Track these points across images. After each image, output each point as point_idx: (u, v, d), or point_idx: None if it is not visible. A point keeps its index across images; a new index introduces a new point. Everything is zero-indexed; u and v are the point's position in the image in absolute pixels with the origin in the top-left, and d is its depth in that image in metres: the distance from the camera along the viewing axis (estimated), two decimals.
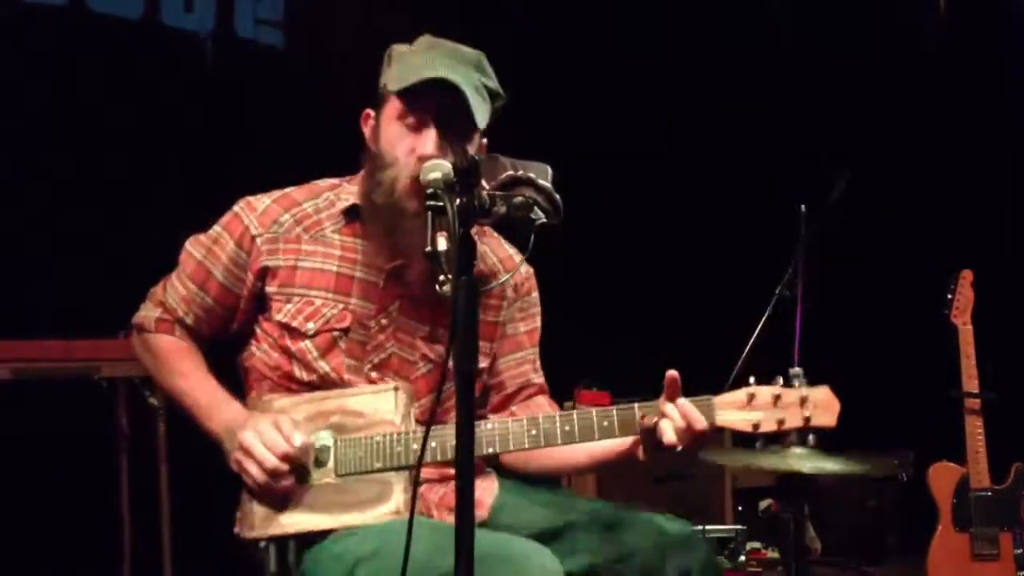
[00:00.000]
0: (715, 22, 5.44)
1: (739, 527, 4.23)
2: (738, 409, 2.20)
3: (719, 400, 2.21)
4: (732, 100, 5.46)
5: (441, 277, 1.94)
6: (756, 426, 2.20)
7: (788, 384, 2.22)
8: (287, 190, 2.45)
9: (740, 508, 4.64)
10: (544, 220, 1.97)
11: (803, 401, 2.20)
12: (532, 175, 1.97)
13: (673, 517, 2.32)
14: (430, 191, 1.93)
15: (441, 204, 1.89)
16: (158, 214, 4.16)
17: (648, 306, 5.31)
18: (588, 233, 4.40)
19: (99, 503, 3.89)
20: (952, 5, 5.44)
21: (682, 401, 2.20)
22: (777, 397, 2.20)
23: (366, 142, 2.40)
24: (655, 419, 2.20)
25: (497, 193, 1.94)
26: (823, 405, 2.20)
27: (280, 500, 2.25)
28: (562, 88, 5.20)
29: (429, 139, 2.26)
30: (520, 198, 1.95)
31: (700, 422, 2.18)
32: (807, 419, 2.20)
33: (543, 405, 2.53)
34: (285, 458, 2.21)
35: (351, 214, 2.39)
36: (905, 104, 5.43)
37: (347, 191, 2.43)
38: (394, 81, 2.31)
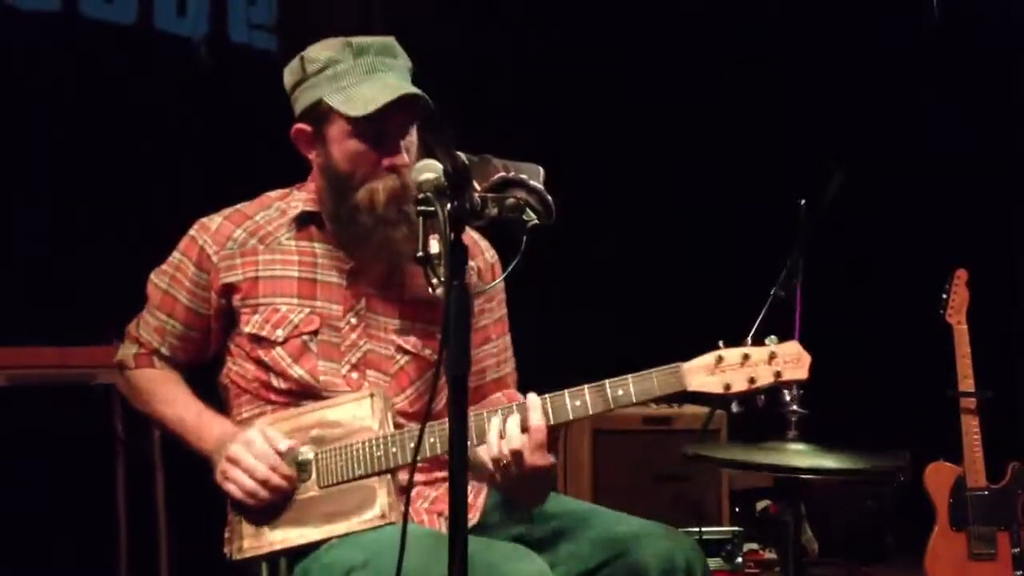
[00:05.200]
0: (713, 16, 5.43)
1: (736, 528, 4.23)
2: (708, 373, 2.16)
3: (688, 366, 2.17)
4: (728, 95, 5.45)
5: (434, 280, 1.93)
6: (728, 387, 2.15)
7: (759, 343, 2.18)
8: (238, 206, 2.49)
9: (737, 509, 4.63)
10: (536, 221, 1.97)
11: (772, 357, 2.15)
12: (524, 176, 1.97)
13: (671, 530, 2.29)
14: (421, 195, 1.93)
15: (432, 209, 1.89)
16: (152, 220, 4.15)
17: (642, 309, 5.30)
18: (580, 232, 4.40)
19: (95, 510, 3.89)
20: (949, 4, 5.43)
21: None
22: (746, 356, 2.15)
23: (305, 155, 2.42)
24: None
25: (489, 195, 1.95)
26: (793, 359, 2.15)
27: (266, 513, 2.26)
28: (555, 80, 5.18)
29: (397, 147, 2.29)
30: (512, 200, 1.95)
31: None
32: (778, 374, 2.15)
33: (498, 402, 2.45)
34: (274, 468, 2.24)
35: (303, 221, 2.42)
36: (901, 101, 5.43)
37: (296, 199, 2.45)
38: (344, 105, 2.30)
